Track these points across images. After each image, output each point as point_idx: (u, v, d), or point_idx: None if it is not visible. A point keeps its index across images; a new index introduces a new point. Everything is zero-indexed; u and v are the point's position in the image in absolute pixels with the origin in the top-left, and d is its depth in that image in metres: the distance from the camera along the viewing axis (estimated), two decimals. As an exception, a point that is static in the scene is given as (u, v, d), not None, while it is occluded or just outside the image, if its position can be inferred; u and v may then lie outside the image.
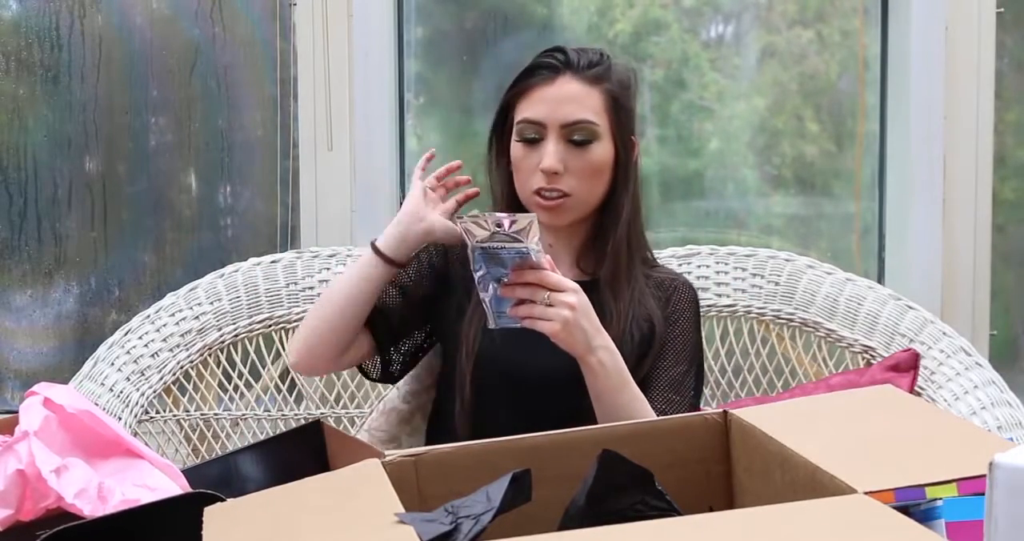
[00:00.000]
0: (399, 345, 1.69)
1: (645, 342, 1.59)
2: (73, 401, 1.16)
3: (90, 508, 1.06)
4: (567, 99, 1.55)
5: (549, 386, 1.55)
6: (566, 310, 1.37)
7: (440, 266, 1.68)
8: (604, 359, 1.42)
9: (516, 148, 1.58)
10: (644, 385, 1.56)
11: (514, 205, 1.62)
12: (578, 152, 1.55)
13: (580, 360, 1.43)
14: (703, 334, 1.69)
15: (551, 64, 1.56)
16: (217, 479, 1.29)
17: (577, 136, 1.55)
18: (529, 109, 1.56)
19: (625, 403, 1.45)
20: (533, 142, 1.56)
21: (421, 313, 1.68)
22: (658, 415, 1.51)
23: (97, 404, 1.88)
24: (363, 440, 1.75)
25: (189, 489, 1.17)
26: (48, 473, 1.07)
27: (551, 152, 1.53)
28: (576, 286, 1.39)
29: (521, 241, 1.31)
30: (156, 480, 1.13)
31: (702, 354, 1.67)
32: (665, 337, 1.60)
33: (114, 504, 1.08)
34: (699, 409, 1.65)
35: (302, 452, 1.39)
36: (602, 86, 1.56)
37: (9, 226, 2.33)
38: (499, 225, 1.30)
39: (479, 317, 1.54)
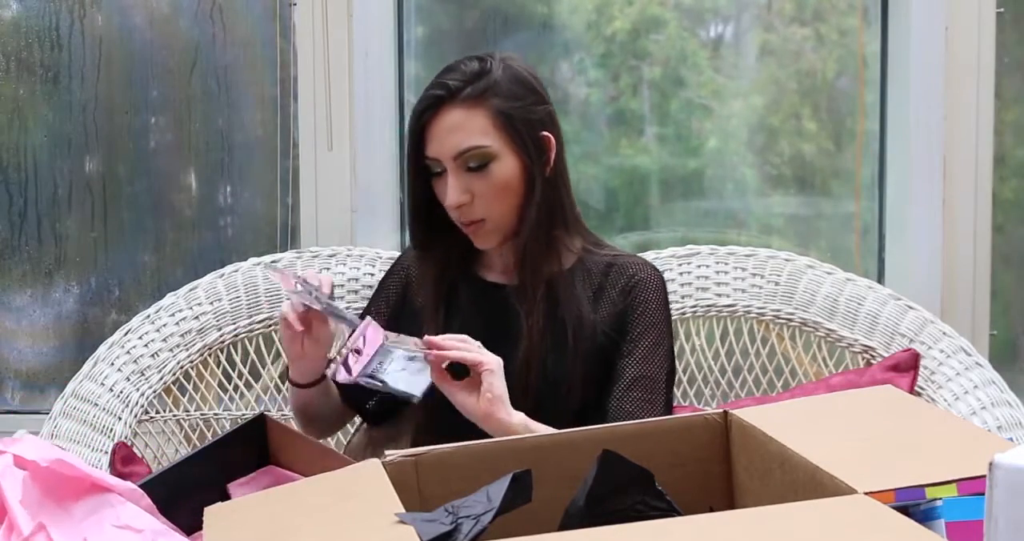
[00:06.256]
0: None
1: (596, 338, 1.58)
2: (43, 453, 1.16)
3: None
4: (451, 129, 1.54)
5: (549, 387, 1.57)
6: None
7: (402, 295, 1.72)
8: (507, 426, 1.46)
9: (434, 183, 1.59)
10: (612, 383, 1.57)
11: (430, 233, 1.65)
12: (479, 177, 1.55)
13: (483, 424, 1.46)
14: (671, 316, 1.66)
15: (430, 99, 1.56)
16: (174, 486, 1.31)
17: (472, 163, 1.54)
18: (427, 146, 1.57)
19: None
20: (440, 176, 1.57)
21: None
22: (628, 417, 1.50)
23: (97, 404, 1.88)
24: (361, 440, 1.77)
25: (156, 513, 1.18)
26: None
27: (451, 186, 1.54)
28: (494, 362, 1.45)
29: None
30: (132, 517, 1.13)
31: (671, 340, 1.64)
32: (631, 331, 1.59)
33: None
34: (672, 407, 1.64)
35: (247, 449, 1.42)
36: (485, 105, 1.54)
37: (9, 226, 2.33)
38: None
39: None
